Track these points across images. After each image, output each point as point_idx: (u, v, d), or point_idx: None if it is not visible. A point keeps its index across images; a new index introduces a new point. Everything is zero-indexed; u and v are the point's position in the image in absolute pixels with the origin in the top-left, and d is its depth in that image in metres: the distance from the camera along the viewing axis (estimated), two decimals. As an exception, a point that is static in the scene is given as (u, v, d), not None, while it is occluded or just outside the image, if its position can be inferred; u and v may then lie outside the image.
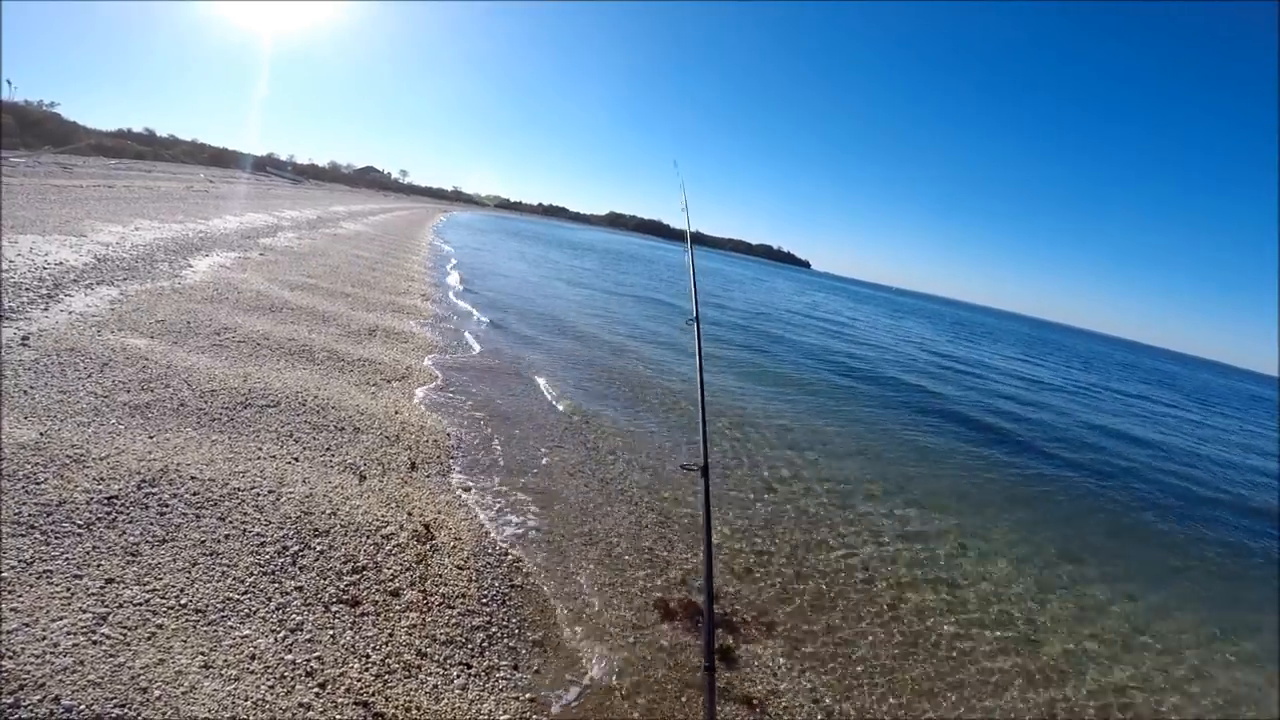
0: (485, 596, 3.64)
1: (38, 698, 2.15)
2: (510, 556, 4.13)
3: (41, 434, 3.75)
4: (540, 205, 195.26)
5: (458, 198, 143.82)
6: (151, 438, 4.06)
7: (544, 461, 5.75)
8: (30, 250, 7.88)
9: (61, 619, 2.51)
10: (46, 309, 5.86)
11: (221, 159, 56.31)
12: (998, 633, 4.61)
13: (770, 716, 3.32)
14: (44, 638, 2.39)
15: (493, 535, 4.31)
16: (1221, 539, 8.15)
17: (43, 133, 39.44)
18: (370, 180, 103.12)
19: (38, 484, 3.29)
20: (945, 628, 4.53)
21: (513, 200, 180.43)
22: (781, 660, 3.79)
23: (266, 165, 67.46)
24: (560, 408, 7.37)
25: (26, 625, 2.43)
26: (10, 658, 2.26)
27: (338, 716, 2.51)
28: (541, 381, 8.25)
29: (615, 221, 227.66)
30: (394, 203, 63.87)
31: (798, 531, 5.50)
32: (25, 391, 4.24)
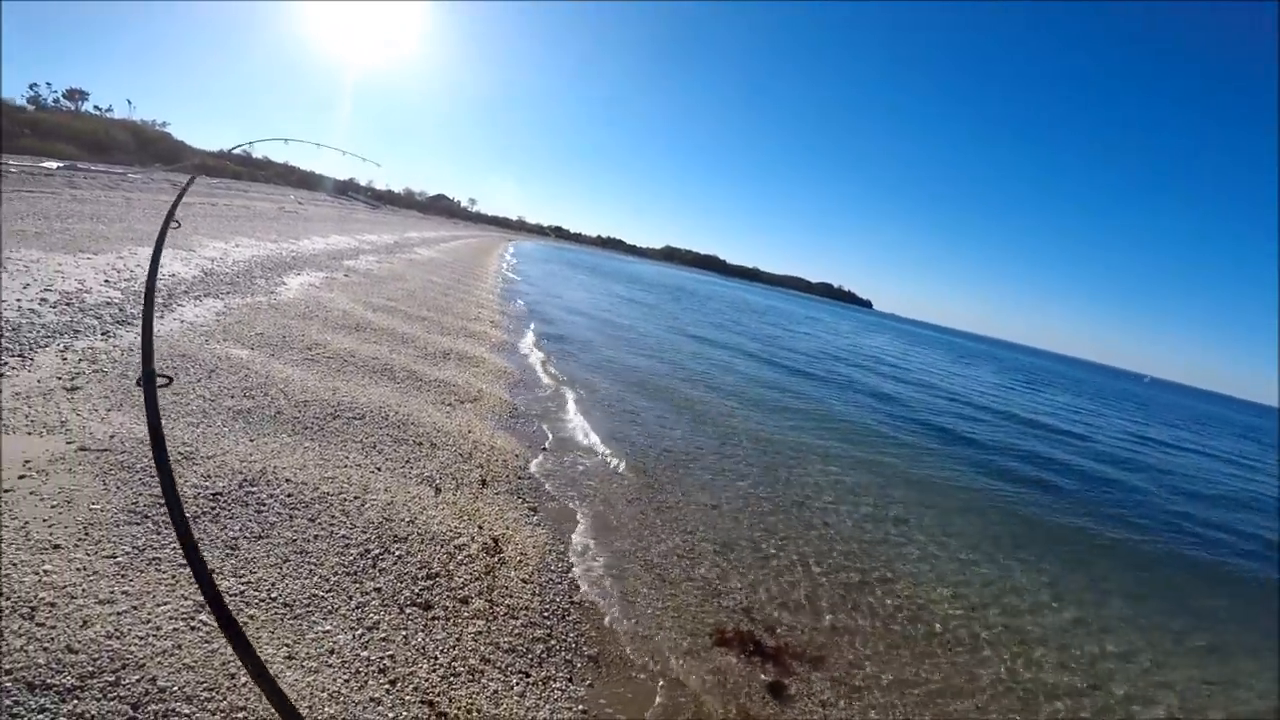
0: (547, 610, 3.80)
1: (136, 677, 2.35)
2: (571, 575, 4.30)
3: (158, 431, 4.13)
4: (598, 237, 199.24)
5: (521, 227, 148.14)
6: (252, 441, 4.42)
7: (605, 486, 5.93)
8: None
9: (165, 605, 2.75)
10: (162, 317, 6.43)
11: (308, 182, 59.78)
12: (1058, 677, 4.46)
13: None
14: (149, 621, 2.63)
15: (555, 553, 4.48)
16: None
17: (157, 151, 42.92)
18: (441, 207, 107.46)
19: (152, 477, 3.63)
20: (1003, 667, 4.49)
21: (572, 231, 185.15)
22: (832, 692, 3.83)
23: (348, 189, 71.20)
24: (620, 433, 7.56)
25: (135, 608, 2.67)
26: (117, 638, 2.48)
27: (404, 713, 2.67)
28: (604, 411, 8.47)
29: (671, 255, 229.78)
30: (463, 230, 66.41)
31: (854, 573, 5.46)
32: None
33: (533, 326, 14.11)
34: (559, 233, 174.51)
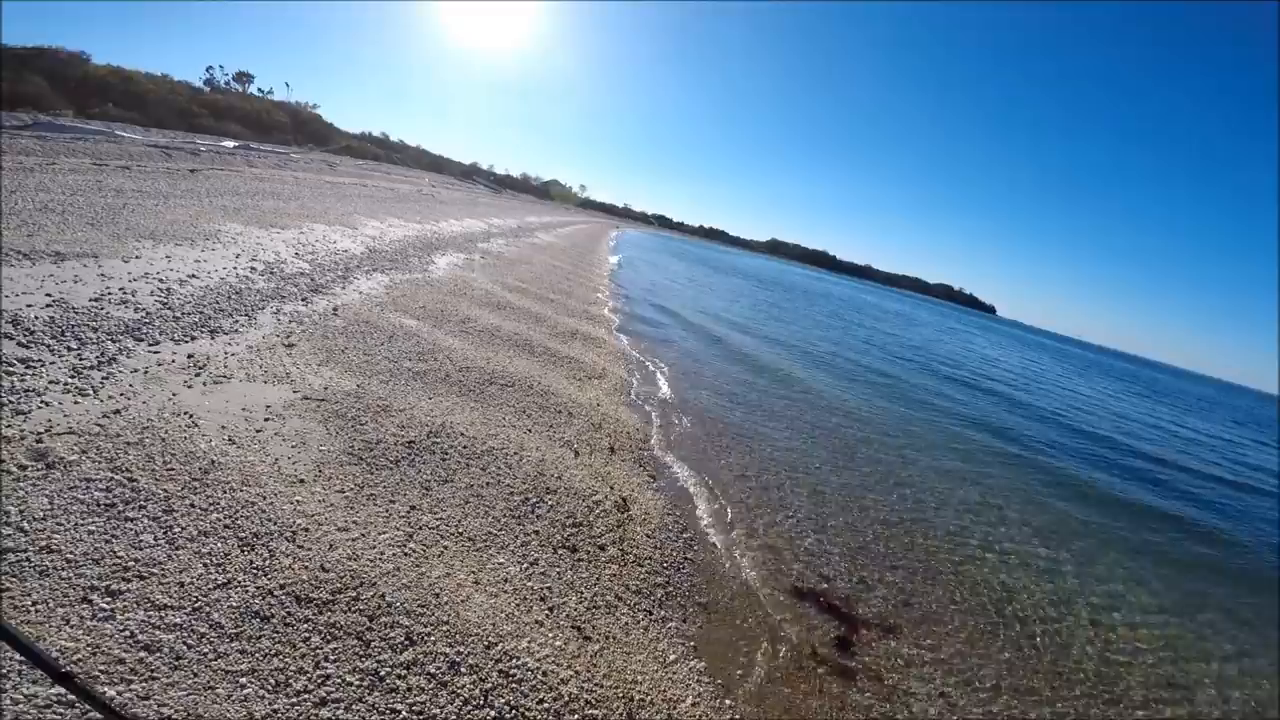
0: (666, 562, 4.32)
1: (370, 593, 2.92)
2: (686, 535, 4.81)
3: (358, 386, 4.95)
4: (700, 227, 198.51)
5: (627, 214, 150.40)
6: (431, 399, 5.20)
7: (717, 462, 6.42)
8: (324, 238, 9.88)
9: (384, 534, 3.38)
10: (344, 287, 7.45)
11: (438, 165, 63.70)
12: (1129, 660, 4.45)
13: (895, 696, 3.73)
14: (374, 547, 3.25)
15: (673, 516, 5.00)
16: None
17: (310, 132, 47.34)
18: (555, 193, 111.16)
19: (362, 425, 4.39)
20: (1089, 656, 4.52)
21: (675, 220, 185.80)
22: (908, 654, 4.18)
23: (472, 174, 75.13)
24: (730, 416, 7.99)
25: (363, 535, 3.30)
26: (354, 560, 3.10)
27: (559, 634, 3.21)
28: (712, 399, 8.90)
29: (776, 249, 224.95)
30: (575, 216, 68.51)
31: (949, 563, 5.58)
32: (343, 350, 5.56)
33: (645, 311, 14.72)
34: (662, 221, 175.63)
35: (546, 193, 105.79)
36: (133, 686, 2.15)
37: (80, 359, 3.99)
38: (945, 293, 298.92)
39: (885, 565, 5.33)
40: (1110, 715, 4.22)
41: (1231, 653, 5.50)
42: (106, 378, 3.90)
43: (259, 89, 54.60)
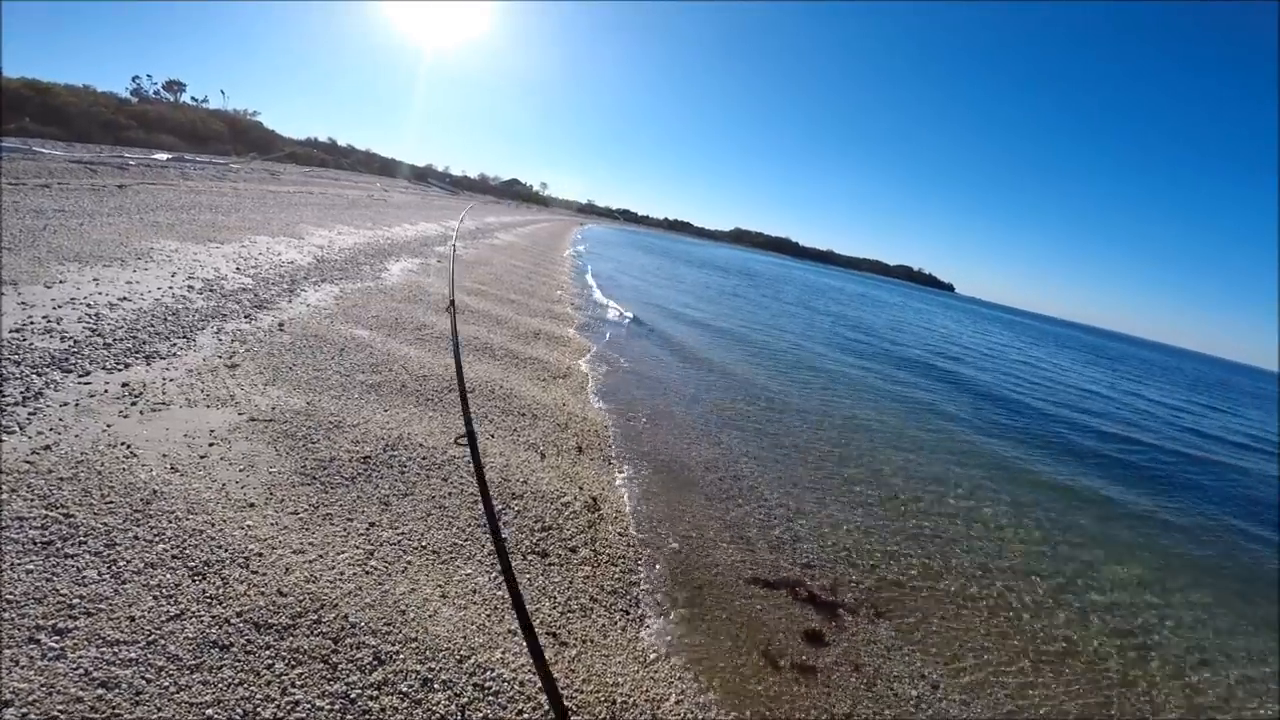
0: (639, 560, 4.27)
1: (332, 615, 2.83)
2: (659, 531, 4.75)
3: (308, 403, 4.76)
4: (665, 220, 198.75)
5: (590, 210, 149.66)
6: (386, 411, 5.02)
7: (685, 455, 6.36)
8: (267, 250, 9.54)
9: (343, 554, 3.27)
10: (290, 301, 7.18)
11: (389, 169, 62.32)
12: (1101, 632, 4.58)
13: (879, 682, 3.71)
14: (333, 567, 3.14)
15: (644, 513, 4.94)
16: None
17: (250, 140, 45.79)
18: (515, 193, 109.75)
19: (314, 443, 4.23)
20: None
21: (639, 214, 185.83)
22: (890, 639, 4.18)
23: (427, 175, 73.68)
24: (696, 409, 7.96)
25: (321, 556, 3.19)
26: (312, 582, 2.98)
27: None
28: (678, 393, 8.86)
29: (740, 238, 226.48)
30: (536, 215, 67.83)
31: (930, 547, 5.66)
32: (290, 368, 5.35)
33: (609, 309, 14.62)
34: (627, 216, 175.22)
35: (506, 192, 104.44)
36: (97, 726, 2.06)
37: (2, 396, 3.74)
38: (905, 274, 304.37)
39: (861, 551, 5.32)
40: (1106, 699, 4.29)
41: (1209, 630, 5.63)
42: (33, 413, 3.67)
43: (192, 98, 52.41)
